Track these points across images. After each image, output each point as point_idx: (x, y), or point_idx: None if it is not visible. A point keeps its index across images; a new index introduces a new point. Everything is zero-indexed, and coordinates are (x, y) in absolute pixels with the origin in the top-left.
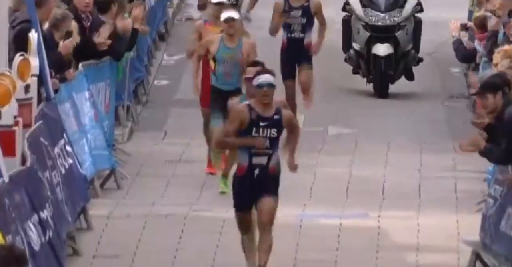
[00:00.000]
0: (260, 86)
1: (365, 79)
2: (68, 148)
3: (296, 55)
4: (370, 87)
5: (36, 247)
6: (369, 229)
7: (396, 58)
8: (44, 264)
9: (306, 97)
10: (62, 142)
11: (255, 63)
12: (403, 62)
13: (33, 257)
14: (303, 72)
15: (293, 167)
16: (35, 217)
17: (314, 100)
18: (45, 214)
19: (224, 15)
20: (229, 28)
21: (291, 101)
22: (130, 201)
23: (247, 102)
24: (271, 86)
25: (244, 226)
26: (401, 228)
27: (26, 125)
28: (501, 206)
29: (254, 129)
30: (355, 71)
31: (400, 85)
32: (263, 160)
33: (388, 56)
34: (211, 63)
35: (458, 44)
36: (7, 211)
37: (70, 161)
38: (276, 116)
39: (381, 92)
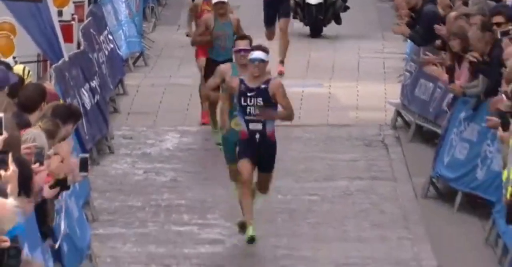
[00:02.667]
0: (252, 60)
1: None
2: (110, 37)
3: (276, 6)
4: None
5: (88, 107)
6: (323, 95)
7: (325, 6)
8: (93, 119)
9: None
10: (105, 32)
11: (244, 37)
12: (332, 9)
13: (86, 114)
14: (282, 20)
15: (266, 114)
16: (86, 86)
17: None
18: (94, 83)
19: None
20: (219, 9)
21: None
22: (154, 74)
23: (241, 77)
24: (262, 61)
25: (244, 170)
26: (345, 93)
27: (80, 20)
28: (415, 78)
29: (242, 99)
30: (294, 16)
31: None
32: (258, 126)
33: (318, 4)
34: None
35: None
36: (67, 82)
37: (111, 45)
38: (263, 86)
39: (314, 33)
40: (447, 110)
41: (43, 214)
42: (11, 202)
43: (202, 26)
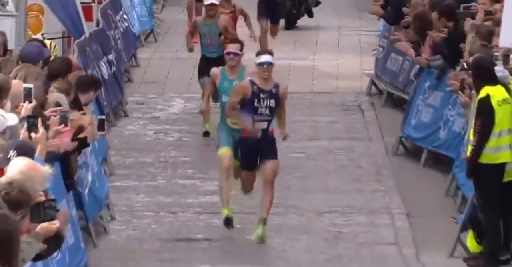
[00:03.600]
0: (261, 64)
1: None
2: (125, 16)
3: (270, 7)
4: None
5: (106, 77)
6: (307, 66)
7: (299, 1)
8: (110, 87)
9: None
10: (121, 12)
11: (235, 41)
12: (305, 5)
13: (104, 82)
14: (272, 26)
15: (284, 136)
16: (104, 59)
17: None
18: (111, 56)
19: (207, 0)
20: (209, 11)
21: (264, 36)
22: (162, 49)
23: (249, 78)
24: (270, 64)
25: (246, 182)
26: (327, 65)
27: (99, 2)
28: (387, 52)
29: (256, 100)
30: None
31: None
32: (264, 125)
33: (292, 0)
34: (198, 37)
35: None
36: (88, 55)
37: (126, 24)
38: (274, 90)
39: (288, 25)
40: (414, 80)
41: (67, 169)
42: (46, 169)
43: (191, 27)
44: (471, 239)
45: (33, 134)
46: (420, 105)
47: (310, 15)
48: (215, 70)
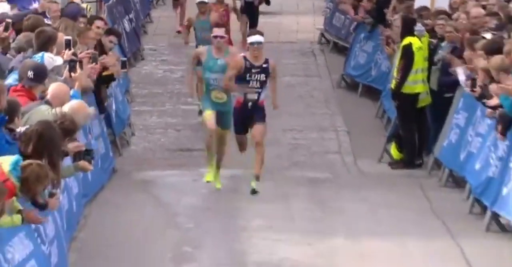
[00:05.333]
0: (252, 44)
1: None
2: None
3: (250, 12)
4: None
5: (128, 30)
6: (276, 23)
7: None
8: (131, 38)
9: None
10: None
11: (219, 25)
12: None
13: (126, 35)
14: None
15: (276, 106)
16: (127, 17)
17: None
18: (131, 15)
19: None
20: (200, 8)
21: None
22: (169, 10)
23: (243, 54)
24: (260, 43)
25: (241, 143)
26: (290, 22)
27: None
28: (332, 12)
29: (248, 74)
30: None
31: None
32: (254, 96)
33: None
34: (193, 31)
35: None
36: (114, 15)
37: None
38: (264, 65)
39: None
40: (353, 32)
41: (99, 97)
42: (91, 110)
43: (188, 24)
44: (394, 149)
45: (73, 74)
46: (357, 51)
47: (268, 3)
48: (201, 49)
